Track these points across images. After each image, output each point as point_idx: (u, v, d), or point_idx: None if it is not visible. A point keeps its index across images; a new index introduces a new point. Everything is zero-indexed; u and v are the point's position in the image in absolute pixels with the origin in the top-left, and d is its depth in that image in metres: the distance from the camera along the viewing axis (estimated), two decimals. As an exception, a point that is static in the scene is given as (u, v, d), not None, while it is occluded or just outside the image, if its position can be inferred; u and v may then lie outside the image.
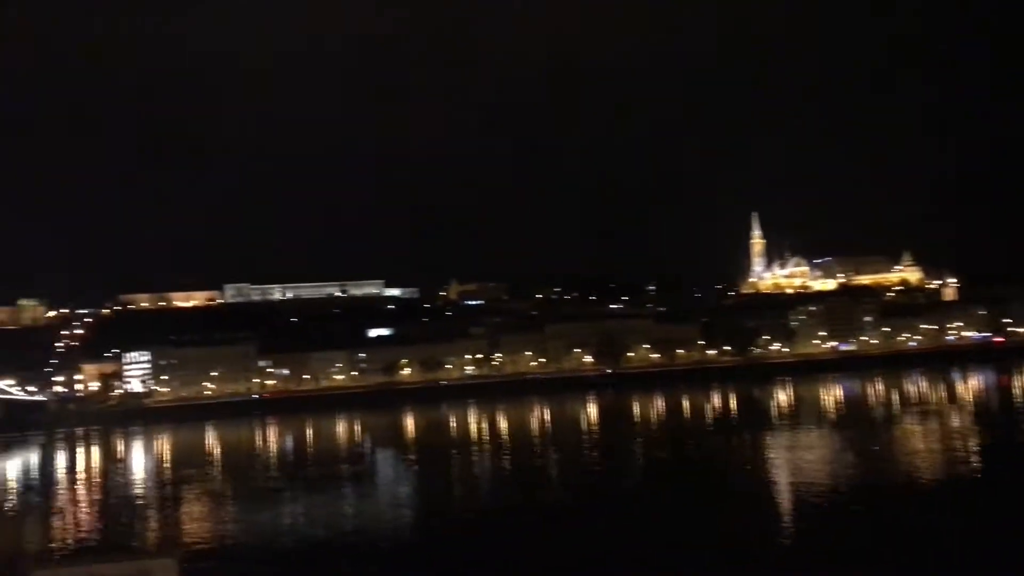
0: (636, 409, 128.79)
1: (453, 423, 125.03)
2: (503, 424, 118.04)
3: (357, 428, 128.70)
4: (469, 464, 71.02)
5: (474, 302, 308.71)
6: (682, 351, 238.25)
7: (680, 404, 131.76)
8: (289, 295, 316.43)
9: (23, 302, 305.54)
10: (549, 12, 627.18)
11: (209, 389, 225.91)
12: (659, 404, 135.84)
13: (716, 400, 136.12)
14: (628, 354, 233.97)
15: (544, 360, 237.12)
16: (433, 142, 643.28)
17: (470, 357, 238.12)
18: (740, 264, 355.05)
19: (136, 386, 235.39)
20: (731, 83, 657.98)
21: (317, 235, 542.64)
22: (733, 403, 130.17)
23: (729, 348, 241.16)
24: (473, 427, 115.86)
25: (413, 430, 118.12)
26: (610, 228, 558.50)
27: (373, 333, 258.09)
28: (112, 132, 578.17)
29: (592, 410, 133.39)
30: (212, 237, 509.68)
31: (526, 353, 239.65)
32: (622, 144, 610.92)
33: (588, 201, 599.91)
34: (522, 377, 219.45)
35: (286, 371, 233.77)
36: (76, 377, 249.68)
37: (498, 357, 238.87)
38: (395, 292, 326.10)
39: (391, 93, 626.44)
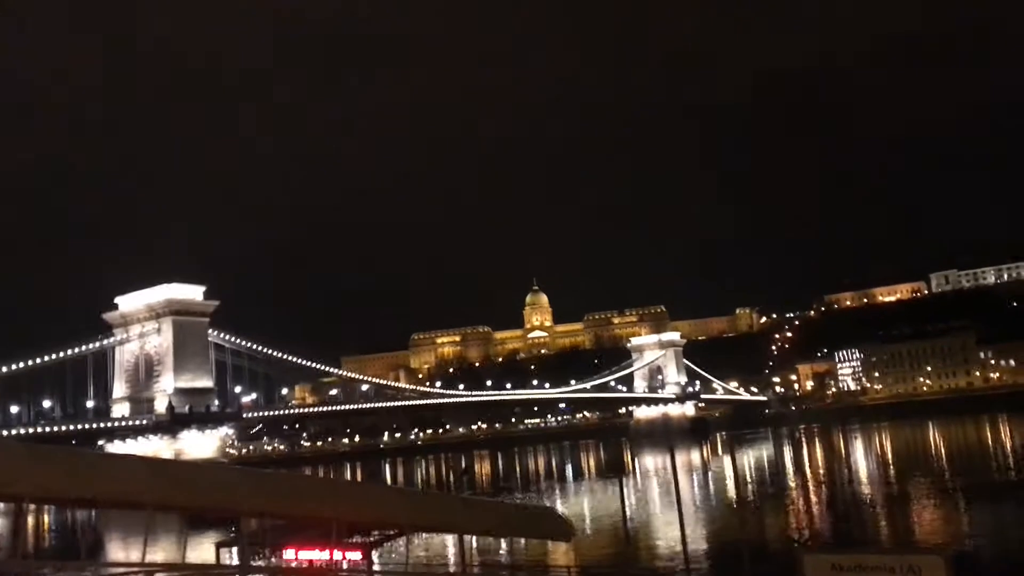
0: None
1: None
2: None
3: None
4: None
5: None
6: None
7: None
8: (1006, 277, 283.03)
9: (739, 311, 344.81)
10: None
11: (925, 385, 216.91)
12: None
13: None
14: None
15: None
16: None
17: None
18: None
19: (849, 384, 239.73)
20: None
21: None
22: None
23: None
24: None
25: None
26: None
27: None
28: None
29: None
30: (911, 227, 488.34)
31: None
32: None
33: None
34: None
35: (1012, 362, 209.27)
36: (791, 377, 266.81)
37: None
38: None
39: None
